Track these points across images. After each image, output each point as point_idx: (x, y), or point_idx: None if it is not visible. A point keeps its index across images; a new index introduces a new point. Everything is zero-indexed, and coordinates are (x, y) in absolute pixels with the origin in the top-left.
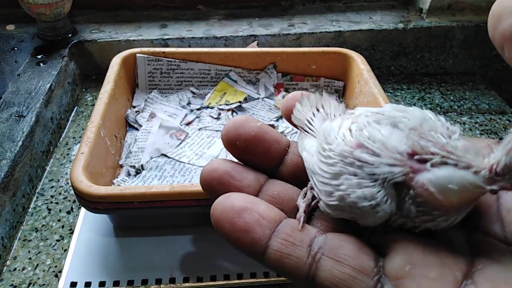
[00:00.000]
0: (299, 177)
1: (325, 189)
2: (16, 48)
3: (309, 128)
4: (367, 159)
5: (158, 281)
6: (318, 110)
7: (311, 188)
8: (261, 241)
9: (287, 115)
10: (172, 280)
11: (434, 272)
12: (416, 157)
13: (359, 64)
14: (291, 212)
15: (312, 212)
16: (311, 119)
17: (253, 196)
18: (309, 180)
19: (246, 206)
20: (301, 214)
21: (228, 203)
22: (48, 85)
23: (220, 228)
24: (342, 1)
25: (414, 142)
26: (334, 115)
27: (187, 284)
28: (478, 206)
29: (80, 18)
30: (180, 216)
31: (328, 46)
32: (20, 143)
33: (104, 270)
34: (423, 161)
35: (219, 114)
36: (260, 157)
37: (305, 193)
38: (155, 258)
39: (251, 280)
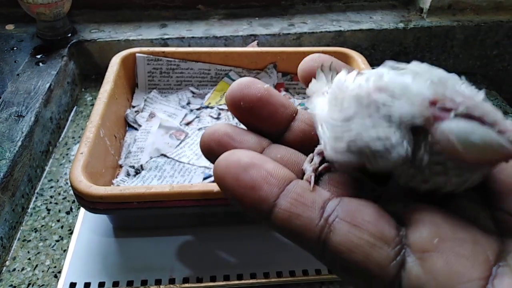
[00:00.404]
0: (305, 145)
1: (334, 135)
2: (15, 48)
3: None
4: (385, 99)
5: (158, 282)
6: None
7: (318, 153)
8: (269, 199)
9: (304, 77)
10: (172, 281)
11: (465, 248)
12: (439, 105)
13: (360, 63)
14: (295, 172)
15: (319, 177)
16: (326, 92)
17: (261, 155)
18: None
19: (253, 162)
20: (309, 174)
21: (234, 158)
22: (48, 85)
23: (223, 184)
24: (342, 1)
25: (438, 89)
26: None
27: (186, 285)
28: (503, 185)
29: (80, 18)
30: (179, 216)
31: (328, 45)
32: (19, 143)
33: (104, 271)
34: (446, 110)
35: (219, 114)
36: (265, 121)
37: (312, 159)
38: (155, 259)
39: (251, 281)
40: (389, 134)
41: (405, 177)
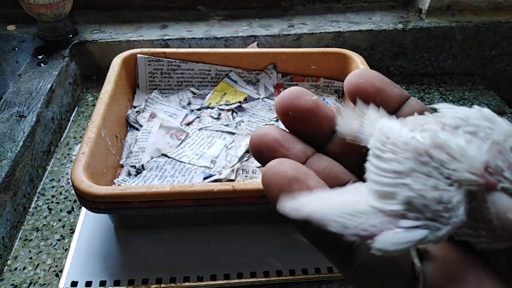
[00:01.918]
0: (345, 157)
1: (382, 190)
2: (17, 49)
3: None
4: (445, 159)
5: (159, 281)
6: (362, 117)
7: None
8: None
9: (283, 114)
10: (173, 280)
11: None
12: (490, 170)
13: (359, 64)
14: (333, 185)
15: None
16: (361, 125)
17: (306, 168)
18: (355, 164)
19: (297, 177)
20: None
21: (281, 170)
22: (49, 85)
23: (268, 191)
24: (342, 2)
25: (492, 156)
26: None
27: (187, 284)
28: None
29: (81, 19)
30: (180, 215)
31: (327, 46)
32: (21, 143)
33: (105, 270)
34: (496, 179)
35: (219, 114)
36: (310, 130)
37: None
38: (156, 258)
39: (251, 280)
40: (451, 197)
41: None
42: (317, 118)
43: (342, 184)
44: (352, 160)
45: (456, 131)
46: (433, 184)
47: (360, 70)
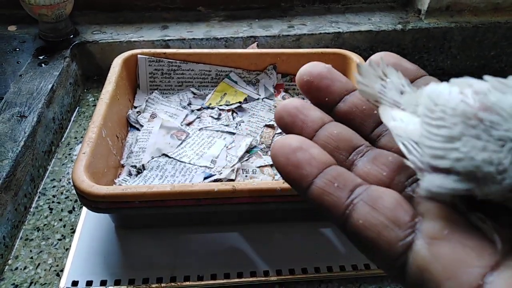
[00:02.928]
0: (356, 117)
1: (435, 153)
2: (18, 49)
3: (386, 99)
4: (496, 120)
5: (159, 280)
6: (383, 79)
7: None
8: (308, 177)
9: (300, 80)
10: (173, 279)
11: (473, 241)
12: None
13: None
14: (345, 151)
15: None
16: (383, 91)
17: (310, 141)
18: (364, 125)
19: (301, 147)
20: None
21: (286, 142)
22: (50, 86)
23: (275, 161)
24: (341, 3)
25: None
26: (403, 85)
27: (187, 283)
28: None
29: (82, 19)
30: (181, 215)
31: (327, 47)
32: (22, 143)
33: (106, 269)
34: None
35: (220, 114)
36: (322, 91)
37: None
38: (156, 257)
39: (251, 279)
40: (502, 157)
41: (504, 200)
42: (328, 80)
43: (354, 148)
44: (360, 119)
45: (504, 93)
46: (483, 146)
47: (380, 53)
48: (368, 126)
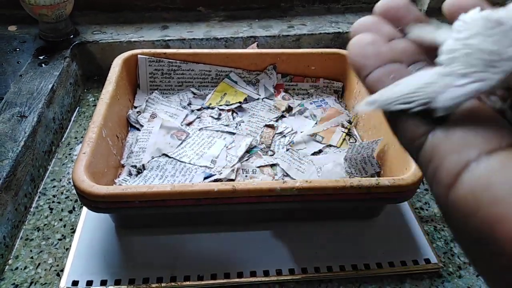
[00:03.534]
0: (423, 45)
1: (449, 56)
2: (18, 49)
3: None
4: None
5: (159, 280)
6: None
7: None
8: (370, 67)
9: (387, 8)
10: (173, 279)
11: (486, 131)
12: None
13: None
14: (407, 60)
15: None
16: (435, 36)
17: (383, 41)
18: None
19: (374, 41)
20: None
21: (363, 36)
22: (50, 86)
23: (350, 51)
24: (341, 3)
25: None
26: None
27: (187, 283)
28: None
29: (82, 19)
30: (181, 215)
31: (327, 47)
32: (22, 143)
33: (106, 269)
34: None
35: (220, 114)
36: (398, 19)
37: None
38: (156, 257)
39: (251, 279)
40: (508, 50)
41: None
42: (405, 10)
43: (415, 61)
44: (429, 49)
45: None
46: (493, 40)
47: None
48: (433, 57)
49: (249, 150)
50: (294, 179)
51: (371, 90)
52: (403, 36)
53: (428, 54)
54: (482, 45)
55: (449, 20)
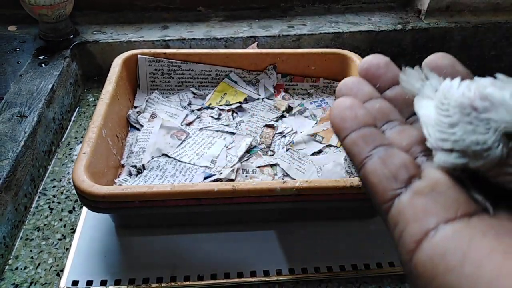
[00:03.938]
0: (397, 102)
1: (441, 137)
2: (18, 49)
3: (423, 93)
4: (485, 106)
5: (159, 280)
6: (423, 81)
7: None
8: (347, 130)
9: (361, 67)
10: (173, 279)
11: (448, 200)
12: None
13: (358, 65)
14: (380, 121)
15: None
16: (421, 87)
17: (361, 103)
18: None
19: (351, 106)
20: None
21: (342, 100)
22: (50, 86)
23: (331, 113)
24: (341, 3)
25: None
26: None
27: (187, 283)
28: None
29: (82, 19)
30: (181, 215)
31: (327, 47)
32: (22, 143)
33: (106, 269)
34: None
35: (220, 114)
36: (377, 78)
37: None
38: (156, 257)
39: (251, 279)
40: (486, 138)
41: (494, 175)
42: (384, 70)
43: (388, 121)
44: (404, 107)
45: (501, 88)
46: (473, 129)
47: (438, 53)
48: (406, 113)
49: (249, 150)
50: (294, 179)
51: (348, 152)
52: (381, 94)
53: (403, 109)
54: (464, 136)
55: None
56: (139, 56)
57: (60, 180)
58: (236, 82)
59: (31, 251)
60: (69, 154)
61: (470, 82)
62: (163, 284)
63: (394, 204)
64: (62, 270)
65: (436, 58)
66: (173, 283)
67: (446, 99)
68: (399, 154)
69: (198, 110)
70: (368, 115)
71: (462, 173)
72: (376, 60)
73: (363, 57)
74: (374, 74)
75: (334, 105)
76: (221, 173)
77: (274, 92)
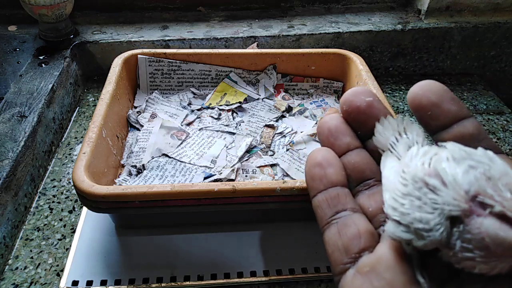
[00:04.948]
0: (379, 155)
1: (392, 205)
2: (18, 49)
3: (393, 150)
4: (435, 185)
5: (159, 280)
6: (400, 134)
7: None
8: (315, 190)
9: (341, 107)
10: (173, 279)
11: (385, 281)
12: (479, 198)
13: (358, 65)
14: (355, 181)
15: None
16: (394, 143)
17: (334, 157)
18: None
19: (321, 163)
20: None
21: (314, 154)
22: (50, 86)
23: (305, 167)
24: (341, 3)
25: (481, 186)
26: (417, 142)
27: (188, 283)
28: None
29: (82, 19)
30: (181, 215)
31: (327, 47)
32: (22, 143)
33: (106, 269)
34: (484, 206)
35: (220, 114)
36: (358, 125)
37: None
38: (157, 257)
39: (251, 279)
40: (430, 218)
41: (443, 255)
42: (365, 117)
43: (363, 180)
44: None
45: (458, 163)
46: (419, 206)
47: (425, 82)
48: None
49: (249, 150)
50: (294, 179)
51: (315, 213)
52: (364, 141)
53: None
54: (410, 210)
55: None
56: (139, 56)
57: (60, 180)
58: (236, 82)
59: (31, 251)
60: (69, 154)
61: (435, 151)
62: (163, 284)
63: (341, 280)
64: (62, 270)
65: (421, 94)
66: (173, 283)
67: (407, 167)
68: (357, 223)
69: (198, 110)
70: (338, 174)
71: (413, 249)
72: (356, 102)
73: (363, 57)
74: (354, 119)
75: (308, 157)
76: (221, 173)
77: (274, 92)
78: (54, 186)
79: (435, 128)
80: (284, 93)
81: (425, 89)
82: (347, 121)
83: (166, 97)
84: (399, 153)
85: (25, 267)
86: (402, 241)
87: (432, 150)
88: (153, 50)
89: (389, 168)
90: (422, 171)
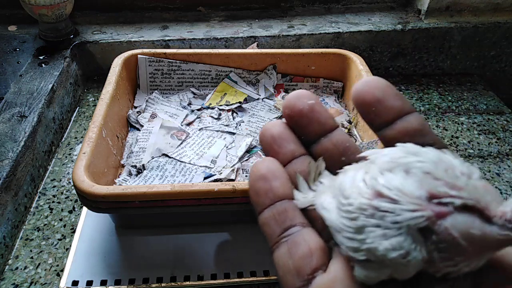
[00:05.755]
0: (327, 160)
1: (352, 245)
2: (18, 49)
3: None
4: (387, 207)
5: (159, 280)
6: (315, 184)
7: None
8: (261, 206)
9: (283, 111)
10: (173, 279)
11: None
12: (435, 200)
13: (358, 65)
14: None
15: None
16: (315, 192)
17: (279, 168)
18: (334, 167)
19: (265, 176)
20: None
21: (257, 166)
22: (50, 86)
23: (249, 180)
24: (341, 3)
25: (430, 185)
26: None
27: (187, 283)
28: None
29: (82, 19)
30: (181, 215)
31: (327, 47)
32: (22, 143)
33: (106, 269)
34: (444, 204)
35: (220, 114)
36: (301, 129)
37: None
38: (157, 257)
39: (251, 279)
40: (401, 241)
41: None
42: (308, 120)
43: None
44: (332, 163)
45: (391, 173)
46: (382, 233)
47: (368, 78)
48: (338, 167)
49: (249, 150)
50: None
51: (263, 232)
52: (309, 147)
53: (335, 163)
54: (375, 243)
55: (355, 106)
56: (139, 56)
57: (60, 180)
58: (236, 82)
59: (31, 251)
60: (69, 154)
61: (363, 171)
62: (163, 284)
63: None
64: (62, 270)
65: (365, 90)
66: (173, 283)
67: (345, 198)
68: (307, 239)
69: (198, 110)
70: (284, 186)
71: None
72: (299, 105)
73: (363, 57)
74: (297, 123)
75: (251, 169)
76: (221, 173)
77: (274, 92)
78: (54, 186)
79: (379, 124)
80: (284, 93)
81: (369, 85)
82: (290, 126)
83: (166, 97)
84: (323, 190)
85: (25, 267)
86: (382, 280)
87: (359, 172)
88: (153, 50)
89: (327, 207)
90: (364, 196)
